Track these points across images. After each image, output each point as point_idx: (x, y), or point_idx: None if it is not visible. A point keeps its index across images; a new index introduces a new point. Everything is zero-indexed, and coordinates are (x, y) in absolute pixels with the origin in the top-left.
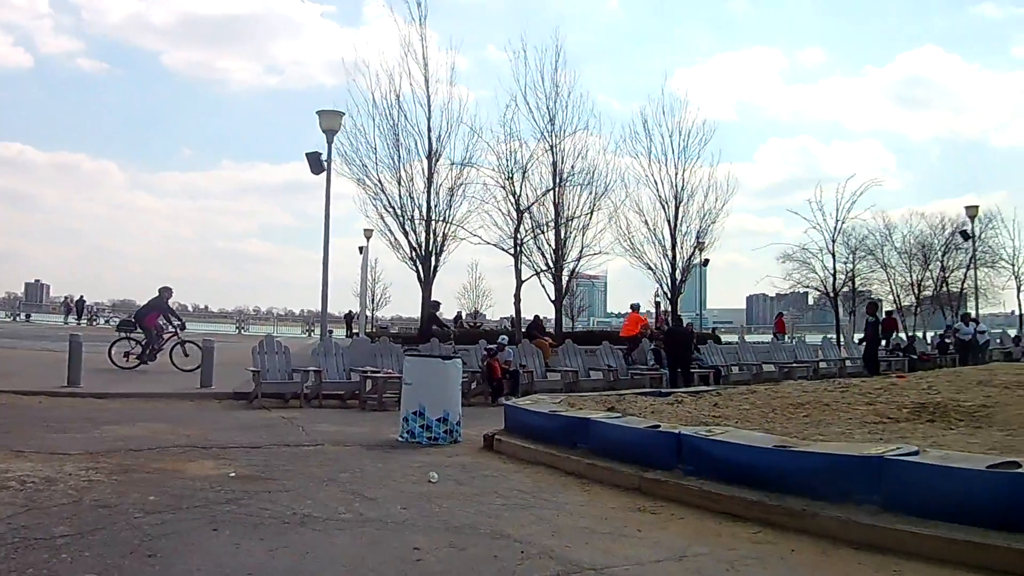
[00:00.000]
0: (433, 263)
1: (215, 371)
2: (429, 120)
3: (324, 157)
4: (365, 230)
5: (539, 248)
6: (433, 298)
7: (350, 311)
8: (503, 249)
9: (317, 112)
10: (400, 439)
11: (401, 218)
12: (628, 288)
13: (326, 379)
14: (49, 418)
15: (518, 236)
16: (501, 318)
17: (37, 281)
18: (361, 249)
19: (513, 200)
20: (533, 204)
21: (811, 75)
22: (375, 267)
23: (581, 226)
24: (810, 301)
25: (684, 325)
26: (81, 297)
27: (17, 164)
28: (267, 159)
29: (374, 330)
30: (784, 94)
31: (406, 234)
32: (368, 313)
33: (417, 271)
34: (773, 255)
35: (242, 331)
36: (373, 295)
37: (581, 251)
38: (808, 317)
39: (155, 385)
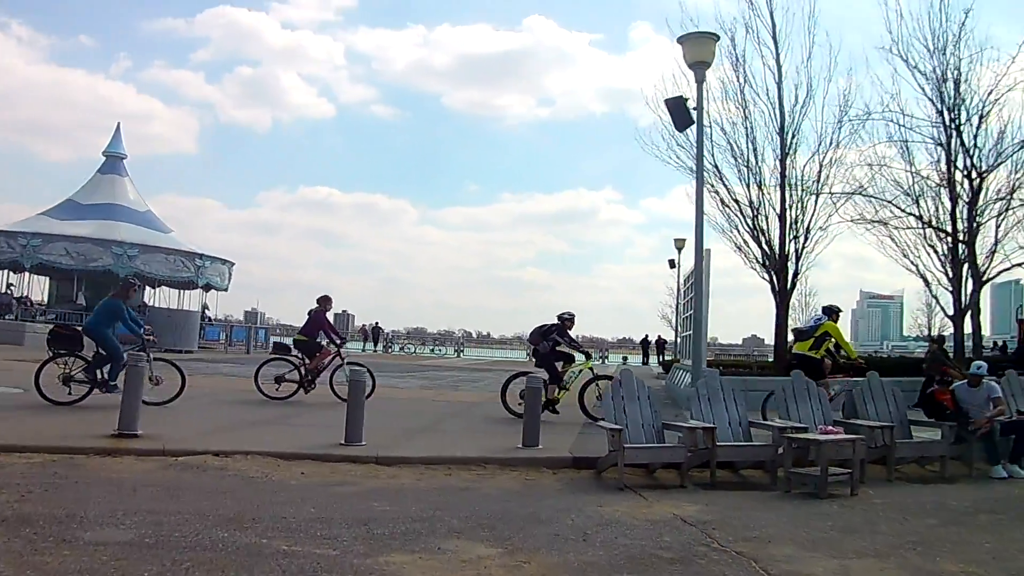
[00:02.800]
0: (792, 270)
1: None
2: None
3: (692, 105)
4: (676, 240)
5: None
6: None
7: (646, 336)
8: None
9: (679, 39)
10: None
11: (752, 218)
12: None
13: (719, 440)
14: (297, 523)
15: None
16: None
17: (344, 311)
18: (672, 264)
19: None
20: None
21: None
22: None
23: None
24: None
25: None
26: (376, 324)
27: (326, 205)
28: (541, 189)
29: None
30: None
31: (757, 236)
32: (672, 337)
33: (771, 281)
34: None
35: (460, 355)
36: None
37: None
38: None
39: (452, 440)
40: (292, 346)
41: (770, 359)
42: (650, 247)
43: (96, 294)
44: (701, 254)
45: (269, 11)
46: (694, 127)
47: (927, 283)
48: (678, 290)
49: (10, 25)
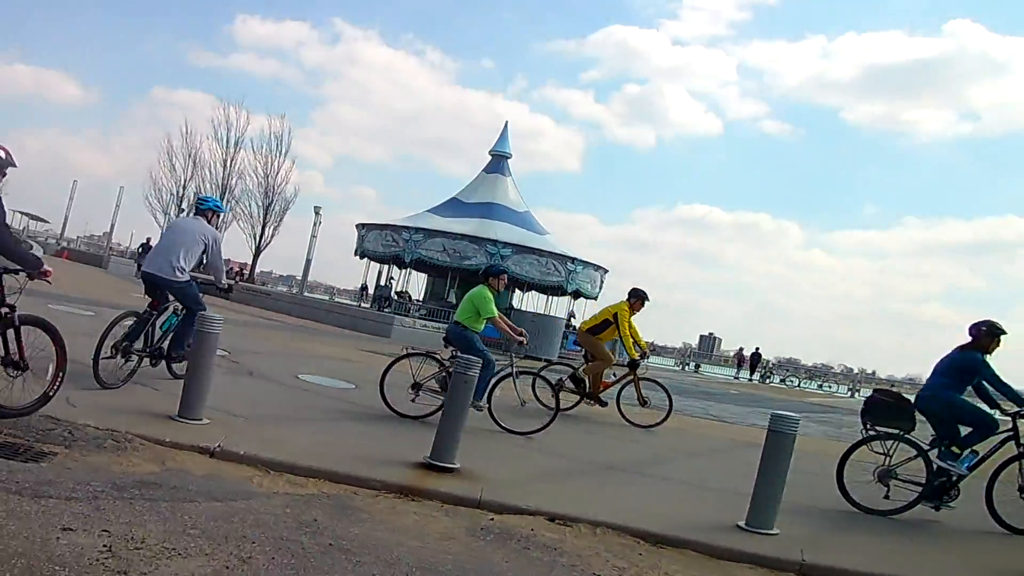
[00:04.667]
0: None
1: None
2: None
3: None
4: None
5: None
6: None
7: None
8: None
9: None
10: None
11: None
12: None
13: None
14: None
15: None
16: None
17: (711, 334)
18: None
19: None
20: None
21: None
22: None
23: None
24: None
25: None
26: (757, 350)
27: (703, 225)
28: (956, 214)
29: None
30: None
31: None
32: None
33: None
34: None
35: (856, 394)
36: None
37: None
38: None
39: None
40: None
41: None
42: None
43: (466, 292)
44: None
45: (660, 28)
46: None
47: None
48: None
49: (425, 51)
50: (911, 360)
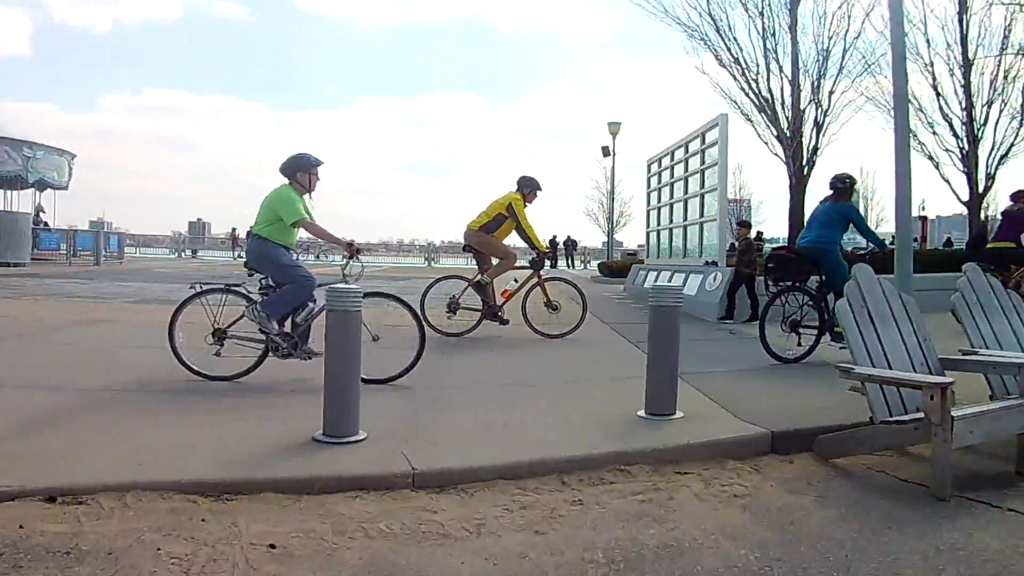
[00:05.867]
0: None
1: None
2: None
3: None
4: (610, 124)
5: None
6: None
7: (553, 237)
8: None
9: None
10: None
11: (755, 79)
12: None
13: None
14: None
15: None
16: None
17: (199, 219)
18: (607, 151)
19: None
20: None
21: None
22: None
23: None
24: None
25: None
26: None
27: (175, 110)
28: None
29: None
30: None
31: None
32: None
33: (787, 161)
34: None
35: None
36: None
37: None
38: None
39: (518, 417)
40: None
41: None
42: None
43: None
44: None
45: None
46: None
47: (937, 164)
48: (612, 183)
49: None
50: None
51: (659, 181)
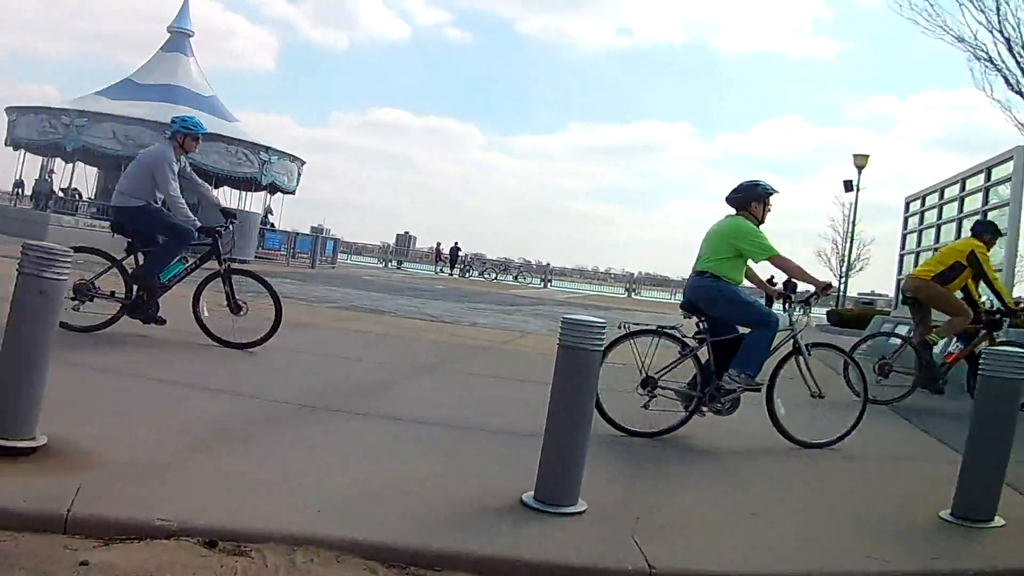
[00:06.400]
0: None
1: None
2: None
3: None
4: (856, 156)
5: None
6: None
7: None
8: None
9: None
10: None
11: None
12: None
13: None
14: None
15: None
16: None
17: (406, 232)
18: (849, 186)
19: None
20: None
21: None
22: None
23: None
24: None
25: None
26: (456, 244)
27: (396, 128)
28: (611, 120)
29: None
30: None
31: None
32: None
33: None
34: None
35: (548, 285)
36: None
37: None
38: None
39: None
40: None
41: None
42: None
43: None
44: None
45: None
46: None
47: None
48: (852, 221)
49: None
50: (579, 251)
51: (920, 222)
